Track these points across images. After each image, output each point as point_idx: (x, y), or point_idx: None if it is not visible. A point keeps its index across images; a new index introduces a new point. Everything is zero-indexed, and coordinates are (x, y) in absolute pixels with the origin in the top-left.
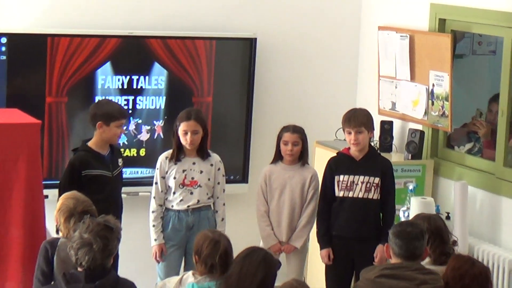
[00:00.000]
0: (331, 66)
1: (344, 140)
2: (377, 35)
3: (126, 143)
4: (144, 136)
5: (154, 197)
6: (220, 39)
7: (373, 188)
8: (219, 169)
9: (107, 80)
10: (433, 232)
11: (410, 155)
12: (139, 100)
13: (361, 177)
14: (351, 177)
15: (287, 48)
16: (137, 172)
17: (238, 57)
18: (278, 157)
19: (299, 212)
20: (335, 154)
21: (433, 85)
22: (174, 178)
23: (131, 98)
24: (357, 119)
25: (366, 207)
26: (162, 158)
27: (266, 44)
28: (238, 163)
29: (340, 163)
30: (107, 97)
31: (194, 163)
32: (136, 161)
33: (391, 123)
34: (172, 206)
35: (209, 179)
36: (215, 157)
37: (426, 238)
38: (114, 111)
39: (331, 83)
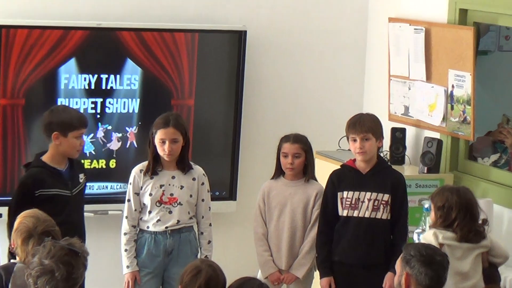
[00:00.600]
0: (334, 64)
1: (349, 150)
2: (387, 28)
3: (93, 153)
4: (114, 145)
5: (126, 217)
6: (204, 31)
7: (382, 207)
8: (203, 183)
9: (71, 80)
10: (462, 207)
11: (425, 168)
12: (109, 103)
13: (368, 194)
14: (357, 193)
15: (282, 43)
16: (106, 187)
17: (225, 53)
18: (278, 171)
19: (301, 235)
20: (338, 167)
21: (453, 86)
22: (150, 194)
23: (99, 100)
24: (364, 124)
25: (374, 228)
26: (136, 171)
27: (258, 38)
28: (225, 178)
29: (344, 177)
30: (70, 100)
31: (173, 177)
32: (105, 175)
33: (403, 130)
34: (148, 227)
35: (191, 196)
36: (198, 170)
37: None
38: (72, 119)
39: (334, 84)
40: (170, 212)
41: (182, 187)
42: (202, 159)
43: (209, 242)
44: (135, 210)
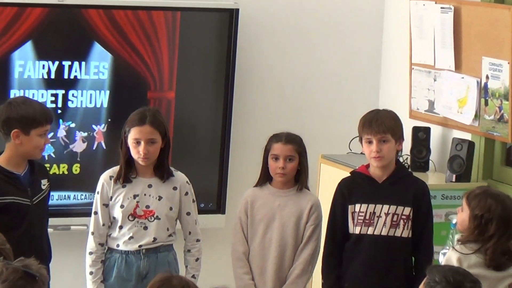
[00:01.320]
0: (344, 50)
1: (362, 153)
2: (408, 6)
3: (53, 156)
4: (78, 147)
5: (92, 233)
6: (187, 9)
7: (402, 222)
8: (186, 193)
9: (27, 67)
10: (504, 222)
11: (454, 176)
12: (72, 95)
13: (386, 207)
14: (372, 206)
15: (282, 25)
16: (69, 198)
17: (213, 35)
18: (265, 177)
19: (291, 255)
20: (348, 174)
21: (487, 77)
22: (122, 206)
23: (60, 92)
24: (381, 122)
25: (392, 248)
26: (105, 178)
27: (252, 18)
28: (212, 187)
29: (356, 187)
30: (26, 91)
31: (150, 186)
32: (67, 182)
33: (427, 130)
34: (118, 245)
35: (171, 209)
36: (180, 178)
37: None
38: (35, 114)
39: (344, 75)
40: (145, 228)
41: (160, 198)
42: (184, 164)
43: (197, 259)
44: (103, 224)
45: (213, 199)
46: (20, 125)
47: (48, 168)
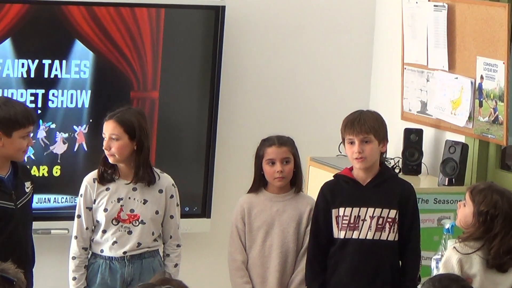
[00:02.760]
0: (333, 50)
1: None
2: (400, 4)
3: (32, 157)
4: (59, 148)
5: (76, 237)
6: (171, 6)
7: (387, 225)
8: (172, 196)
9: (6, 66)
10: (510, 218)
11: (447, 179)
12: (53, 95)
13: (371, 210)
14: (356, 209)
15: (270, 23)
16: (49, 201)
17: (198, 33)
18: (259, 183)
19: (293, 261)
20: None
21: (482, 77)
22: (105, 210)
23: (40, 92)
24: (364, 122)
25: (379, 252)
26: (89, 180)
27: (239, 16)
28: (197, 190)
29: (339, 191)
30: (5, 91)
31: (134, 189)
32: (47, 185)
33: (420, 132)
34: (102, 251)
35: (157, 212)
36: (165, 180)
37: None
38: (17, 115)
39: (333, 75)
40: (130, 232)
41: (145, 201)
42: (168, 167)
43: (176, 265)
44: (87, 228)
45: (198, 203)
46: (1, 127)
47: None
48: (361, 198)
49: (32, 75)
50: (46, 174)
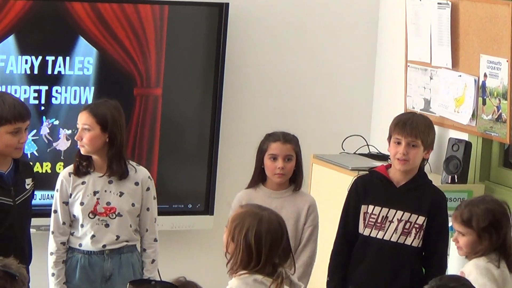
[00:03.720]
0: (337, 47)
1: (357, 154)
2: (404, 2)
3: (36, 154)
4: (62, 145)
5: (52, 232)
6: (175, 3)
7: (413, 231)
8: (148, 189)
9: (10, 62)
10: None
11: (450, 177)
12: (56, 91)
13: (400, 213)
14: (385, 210)
15: (274, 20)
16: (52, 197)
17: (202, 30)
18: (258, 178)
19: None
20: (340, 175)
21: (485, 75)
22: (82, 203)
23: (44, 88)
24: (415, 126)
25: (399, 256)
26: (64, 175)
27: (243, 13)
28: (200, 187)
29: (372, 187)
30: (8, 87)
31: (110, 182)
32: (50, 181)
33: None
34: (81, 245)
35: (133, 205)
36: (141, 173)
37: None
38: (2, 111)
39: (337, 72)
40: (107, 225)
41: (121, 194)
42: (172, 164)
43: (153, 261)
44: (64, 223)
45: (201, 200)
46: None
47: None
48: (392, 199)
49: (36, 72)
50: (49, 171)
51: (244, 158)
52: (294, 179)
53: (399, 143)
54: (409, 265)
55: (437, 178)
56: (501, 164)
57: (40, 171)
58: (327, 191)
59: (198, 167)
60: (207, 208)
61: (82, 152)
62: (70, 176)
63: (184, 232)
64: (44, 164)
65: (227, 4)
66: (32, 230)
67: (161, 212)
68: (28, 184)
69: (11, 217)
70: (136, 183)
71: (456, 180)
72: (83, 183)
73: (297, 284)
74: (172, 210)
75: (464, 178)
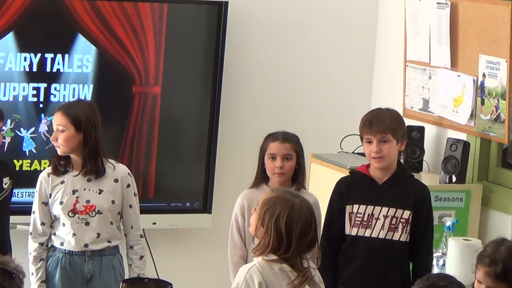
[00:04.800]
0: (336, 46)
1: (354, 153)
2: (403, 2)
3: (34, 151)
4: None
5: (31, 233)
6: (174, 2)
7: (400, 226)
8: (128, 185)
9: (8, 60)
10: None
11: (448, 177)
12: (55, 89)
13: (385, 209)
14: (370, 208)
15: (273, 19)
16: None
17: (201, 29)
18: (261, 178)
19: None
20: (339, 174)
21: (484, 75)
22: (61, 203)
23: (42, 86)
24: (382, 122)
25: (389, 252)
26: (43, 176)
27: (242, 12)
28: (198, 186)
29: (355, 187)
30: (7, 84)
31: (89, 180)
32: None
33: (421, 129)
34: (62, 243)
35: (113, 202)
36: (120, 170)
37: None
38: None
39: (336, 71)
40: (87, 223)
41: (100, 191)
42: (170, 162)
43: (142, 257)
44: (42, 224)
45: (199, 199)
46: None
47: (28, 164)
48: (376, 197)
49: (35, 69)
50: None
51: (243, 156)
52: (296, 178)
53: (370, 142)
54: (399, 261)
55: (435, 177)
56: (499, 164)
57: (38, 169)
58: (325, 190)
59: (196, 165)
60: (205, 207)
61: (59, 152)
62: (49, 176)
63: (182, 230)
64: (43, 161)
65: (226, 3)
66: (22, 228)
67: (159, 210)
68: (5, 184)
69: None
70: (116, 180)
71: (454, 180)
72: (62, 182)
73: (318, 284)
74: (170, 208)
75: (462, 178)
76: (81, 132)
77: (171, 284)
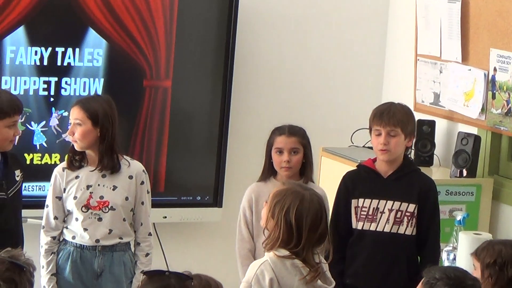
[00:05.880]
0: (347, 40)
1: (364, 147)
2: None
3: (45, 145)
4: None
5: (43, 227)
6: None
7: (405, 219)
8: (142, 182)
9: (19, 53)
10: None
11: (459, 171)
12: (66, 83)
13: (390, 203)
14: (375, 201)
15: (284, 12)
16: None
17: (212, 22)
18: (268, 172)
19: None
20: (350, 168)
21: (495, 69)
22: (75, 198)
23: (53, 80)
24: (393, 115)
25: (395, 246)
26: (58, 170)
27: (253, 4)
28: (208, 179)
29: (360, 181)
30: (18, 78)
31: (104, 176)
32: None
33: (432, 123)
34: (74, 237)
35: (126, 198)
36: (135, 166)
37: None
38: (2, 105)
39: (347, 65)
40: (100, 219)
41: (114, 187)
42: (180, 156)
43: (147, 255)
44: (55, 218)
45: (209, 192)
46: None
47: (39, 158)
48: (381, 191)
49: (45, 63)
50: (58, 162)
51: (253, 150)
52: (303, 172)
53: (379, 134)
54: (405, 255)
55: (446, 172)
56: (510, 158)
57: (49, 162)
58: (336, 184)
59: (207, 159)
60: (216, 201)
61: (76, 147)
62: (63, 171)
63: (192, 224)
64: (53, 155)
65: None
66: (34, 221)
67: (169, 204)
68: (17, 176)
69: (5, 211)
70: (130, 177)
71: (465, 174)
72: (76, 177)
73: (329, 280)
74: (181, 202)
75: (473, 172)
76: (98, 127)
77: (191, 278)
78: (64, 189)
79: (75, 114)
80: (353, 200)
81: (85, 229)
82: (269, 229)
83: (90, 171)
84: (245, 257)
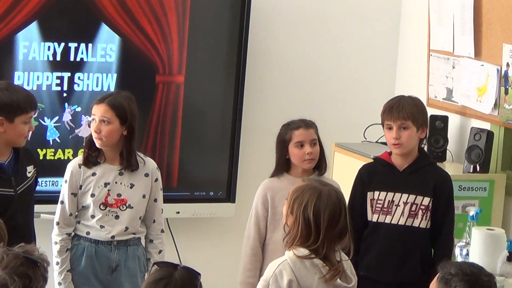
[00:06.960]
0: (359, 36)
1: (377, 142)
2: None
3: (58, 140)
4: (84, 131)
5: (57, 223)
6: None
7: (420, 212)
8: (156, 179)
9: (32, 49)
10: None
11: (472, 167)
12: (79, 78)
13: (405, 196)
14: (390, 194)
15: (297, 8)
16: None
17: (225, 17)
18: (282, 167)
19: None
20: (362, 163)
21: (508, 65)
22: (93, 195)
23: (66, 75)
24: (402, 108)
25: (409, 238)
26: (74, 165)
27: (266, 1)
28: (221, 175)
29: (376, 174)
30: (31, 74)
31: (121, 174)
32: None
33: (445, 119)
34: (89, 233)
35: (143, 196)
36: (150, 163)
37: None
38: (19, 101)
39: (359, 61)
40: (117, 216)
41: (132, 185)
42: (193, 151)
43: (160, 251)
44: (70, 214)
45: (222, 188)
46: (3, 113)
47: (52, 153)
48: (396, 183)
49: (58, 58)
50: (71, 157)
51: (266, 145)
52: (318, 165)
53: (390, 128)
54: (418, 248)
55: (459, 167)
56: None
57: (62, 158)
58: (349, 179)
59: (220, 154)
60: (229, 196)
61: (99, 145)
62: (80, 167)
63: (205, 219)
64: (66, 150)
65: None
66: (47, 216)
67: (183, 200)
68: (29, 172)
69: (12, 207)
70: (146, 174)
71: (478, 170)
72: (93, 174)
73: (349, 277)
74: (194, 197)
75: (486, 167)
76: (125, 126)
77: (199, 275)
78: (81, 186)
79: (103, 112)
80: (368, 193)
81: (102, 226)
82: (288, 226)
83: (113, 168)
84: (246, 255)
